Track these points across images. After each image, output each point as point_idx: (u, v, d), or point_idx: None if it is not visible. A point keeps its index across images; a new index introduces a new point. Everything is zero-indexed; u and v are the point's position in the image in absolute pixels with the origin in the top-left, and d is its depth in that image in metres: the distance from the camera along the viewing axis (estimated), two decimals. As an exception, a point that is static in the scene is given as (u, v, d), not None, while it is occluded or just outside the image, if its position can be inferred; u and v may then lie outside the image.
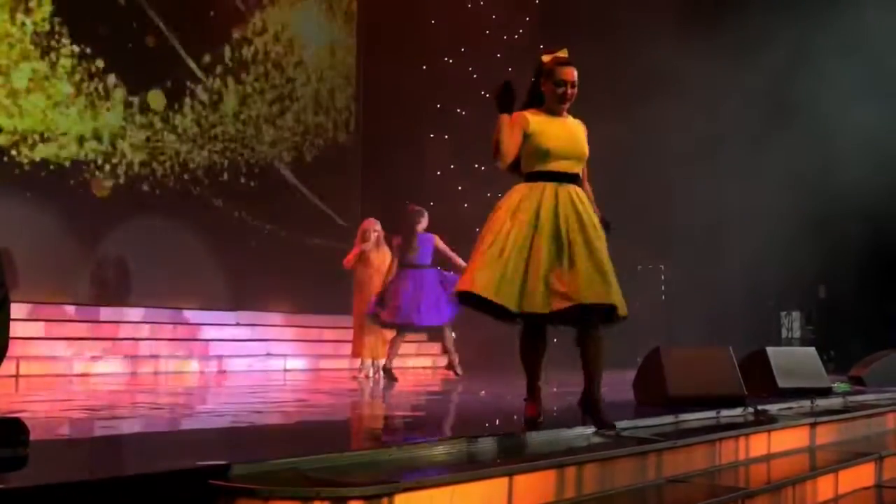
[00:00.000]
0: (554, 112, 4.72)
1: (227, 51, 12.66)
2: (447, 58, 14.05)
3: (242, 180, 12.69)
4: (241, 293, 12.13)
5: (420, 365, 12.45)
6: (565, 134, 4.70)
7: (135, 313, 10.94)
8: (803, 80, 11.51)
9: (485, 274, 4.45)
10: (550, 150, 4.61)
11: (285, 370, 11.11)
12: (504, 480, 3.51)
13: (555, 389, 7.82)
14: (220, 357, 10.80)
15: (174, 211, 11.65)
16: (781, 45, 11.82)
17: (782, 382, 6.71)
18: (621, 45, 12.11)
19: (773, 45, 11.85)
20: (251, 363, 10.93)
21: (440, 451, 3.81)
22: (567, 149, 4.66)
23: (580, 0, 13.01)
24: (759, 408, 5.82)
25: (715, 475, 4.67)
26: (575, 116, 4.80)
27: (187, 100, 12.11)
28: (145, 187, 11.64)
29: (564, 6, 13.36)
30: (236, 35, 12.80)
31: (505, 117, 4.60)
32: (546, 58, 4.72)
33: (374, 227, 9.57)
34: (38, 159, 10.59)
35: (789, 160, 11.47)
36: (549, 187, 4.59)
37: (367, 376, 9.34)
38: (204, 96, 12.33)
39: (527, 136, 4.64)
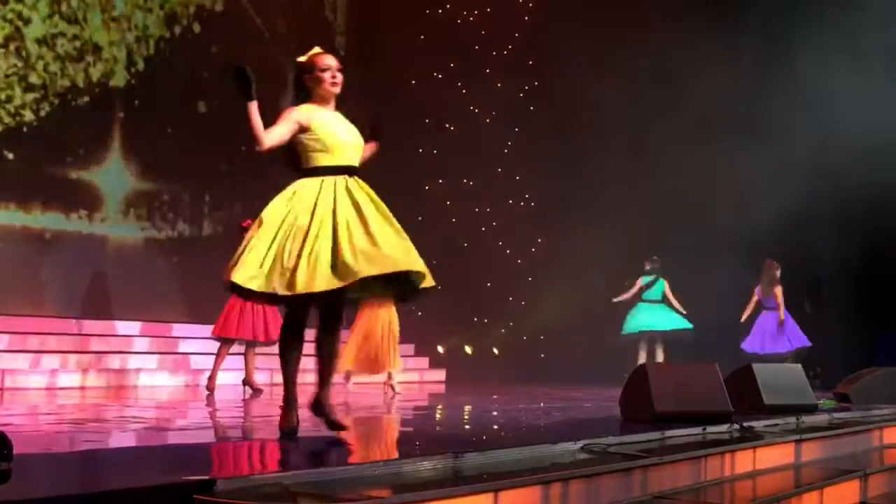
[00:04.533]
0: (326, 103, 4.64)
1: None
2: (436, 73, 14.09)
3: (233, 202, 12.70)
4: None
5: (407, 380, 12.41)
6: (345, 126, 4.68)
7: (119, 327, 10.89)
8: (790, 96, 11.58)
9: None
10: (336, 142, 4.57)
11: (272, 384, 11.05)
12: (489, 496, 3.51)
13: (541, 405, 7.82)
14: (205, 371, 10.74)
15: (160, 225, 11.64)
16: (767, 58, 11.90)
17: (768, 399, 6.72)
18: (613, 55, 12.15)
19: (762, 54, 11.93)
20: (237, 377, 10.87)
21: (426, 466, 3.80)
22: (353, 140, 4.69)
23: (569, 14, 13.04)
24: (745, 424, 5.82)
25: (700, 492, 4.67)
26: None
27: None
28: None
29: (553, 21, 13.40)
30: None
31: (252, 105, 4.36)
32: (302, 58, 4.63)
33: None
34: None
35: (774, 174, 11.52)
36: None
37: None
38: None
39: (305, 129, 4.52)
